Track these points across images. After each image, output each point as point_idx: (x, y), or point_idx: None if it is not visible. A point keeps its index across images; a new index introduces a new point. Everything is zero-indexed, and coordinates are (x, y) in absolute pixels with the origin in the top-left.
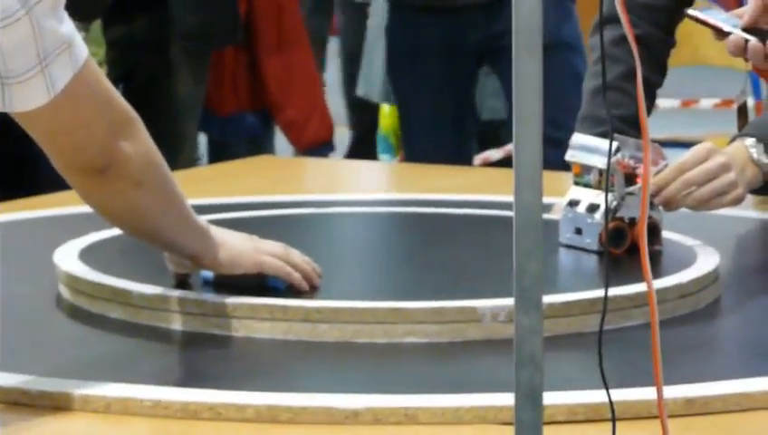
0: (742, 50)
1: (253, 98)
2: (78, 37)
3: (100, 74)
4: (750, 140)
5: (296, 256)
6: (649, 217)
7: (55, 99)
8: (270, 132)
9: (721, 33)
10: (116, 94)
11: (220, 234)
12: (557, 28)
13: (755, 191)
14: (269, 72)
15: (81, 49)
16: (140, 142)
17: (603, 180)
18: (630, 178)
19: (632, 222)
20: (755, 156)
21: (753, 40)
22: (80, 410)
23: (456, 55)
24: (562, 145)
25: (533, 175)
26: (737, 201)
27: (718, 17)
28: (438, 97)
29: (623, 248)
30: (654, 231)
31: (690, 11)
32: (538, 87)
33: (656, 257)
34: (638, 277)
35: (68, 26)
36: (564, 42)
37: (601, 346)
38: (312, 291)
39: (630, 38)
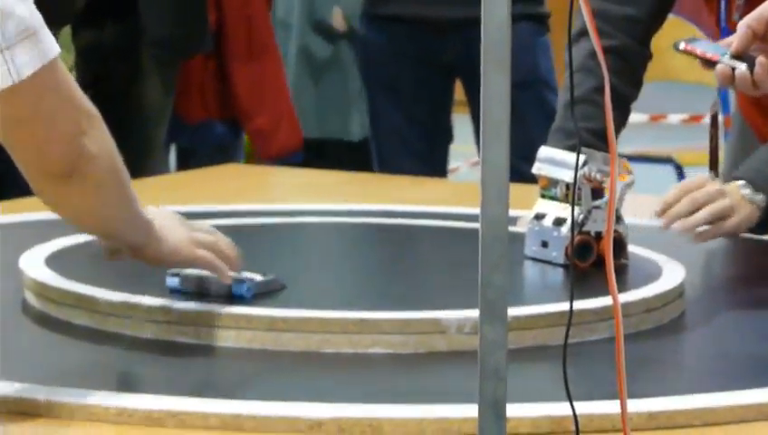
0: (730, 79)
1: (221, 106)
2: (47, 32)
3: (68, 74)
4: (740, 182)
5: (223, 243)
6: (615, 232)
7: (20, 85)
8: (238, 141)
9: (709, 63)
10: (81, 94)
11: (160, 226)
12: (534, 65)
13: (754, 230)
14: (238, 81)
15: (52, 44)
16: (104, 141)
17: (570, 194)
18: (597, 192)
19: (598, 236)
20: (748, 196)
21: (740, 68)
22: (44, 416)
23: (430, 67)
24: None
25: (500, 189)
26: (735, 229)
27: (707, 47)
28: (411, 108)
29: (589, 262)
30: (620, 245)
31: (679, 44)
32: (506, 101)
33: (621, 271)
34: (604, 291)
35: (35, 17)
36: (540, 79)
37: (566, 359)
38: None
39: (599, 51)
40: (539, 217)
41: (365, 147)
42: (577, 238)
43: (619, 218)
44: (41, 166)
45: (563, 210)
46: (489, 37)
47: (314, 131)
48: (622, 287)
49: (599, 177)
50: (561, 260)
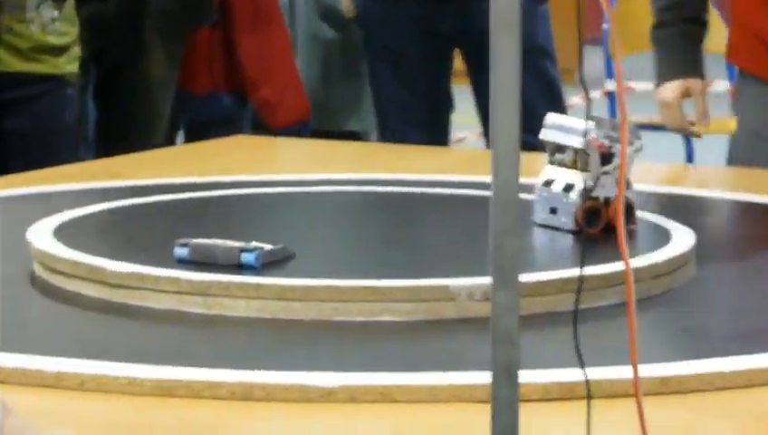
0: None
1: (228, 78)
2: None
3: None
4: None
5: None
6: (625, 197)
7: None
8: (245, 112)
9: None
10: None
11: None
12: (533, 33)
13: None
14: (244, 51)
15: None
16: None
17: (578, 160)
18: (605, 158)
19: (607, 202)
20: None
21: None
22: (54, 387)
23: (430, 40)
24: (533, 150)
25: (511, 152)
26: None
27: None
28: (412, 78)
29: (598, 228)
30: (629, 211)
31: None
32: (516, 65)
33: (631, 237)
34: (613, 257)
35: None
36: (538, 47)
37: (577, 324)
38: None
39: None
40: (547, 183)
41: None
42: (586, 204)
43: (627, 184)
44: None
45: (572, 176)
46: (498, 1)
47: (327, 124)
48: (632, 253)
49: (606, 142)
50: (571, 226)
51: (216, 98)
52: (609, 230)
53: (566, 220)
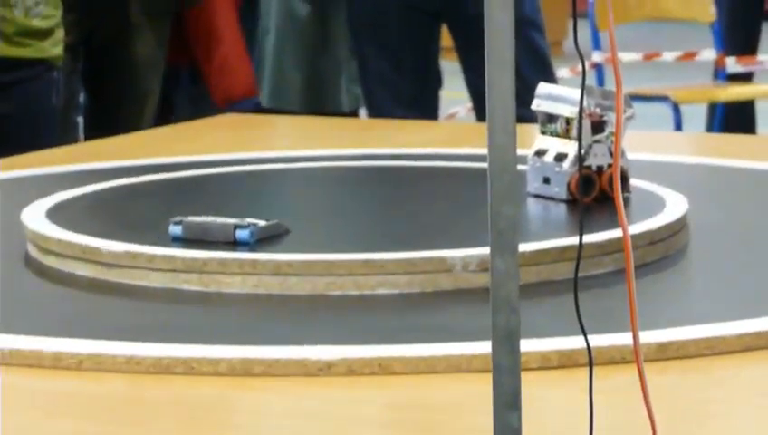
0: None
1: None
2: None
3: None
4: None
5: None
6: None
7: None
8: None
9: None
10: None
11: None
12: (520, 3)
13: None
14: (190, 29)
15: None
16: None
17: (571, 129)
18: (597, 126)
19: (600, 170)
20: None
21: None
22: (52, 367)
23: (416, 17)
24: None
25: (506, 117)
26: None
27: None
28: (399, 54)
29: (592, 196)
30: (623, 179)
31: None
32: (510, 32)
33: (625, 205)
34: (607, 225)
35: None
36: (525, 18)
37: (577, 292)
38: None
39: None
40: (540, 153)
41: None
42: (579, 173)
43: (621, 152)
44: None
45: (564, 146)
46: None
47: (302, 105)
48: (627, 220)
49: (598, 111)
50: (564, 196)
51: (176, 74)
52: (603, 199)
53: (559, 190)
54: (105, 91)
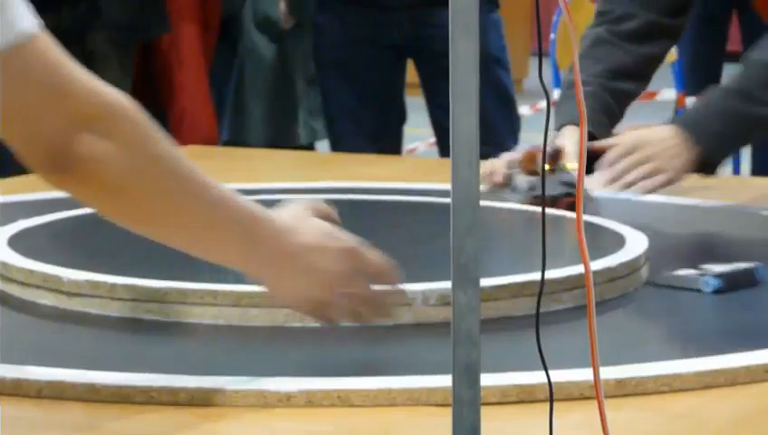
0: None
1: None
2: (22, 8)
3: (63, 61)
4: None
5: (370, 260)
6: (572, 195)
7: None
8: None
9: None
10: (88, 85)
11: (280, 245)
12: (485, 40)
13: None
14: (157, 60)
15: (25, 21)
16: (122, 141)
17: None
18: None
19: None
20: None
21: None
22: (12, 394)
23: (381, 48)
24: (487, 159)
25: (470, 151)
26: (668, 183)
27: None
28: (363, 88)
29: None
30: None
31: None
32: (474, 65)
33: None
34: (566, 262)
35: None
36: (491, 55)
37: (539, 325)
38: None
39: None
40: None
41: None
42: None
43: (571, 184)
44: (29, 157)
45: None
46: (457, 2)
47: (261, 139)
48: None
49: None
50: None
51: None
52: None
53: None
54: None
